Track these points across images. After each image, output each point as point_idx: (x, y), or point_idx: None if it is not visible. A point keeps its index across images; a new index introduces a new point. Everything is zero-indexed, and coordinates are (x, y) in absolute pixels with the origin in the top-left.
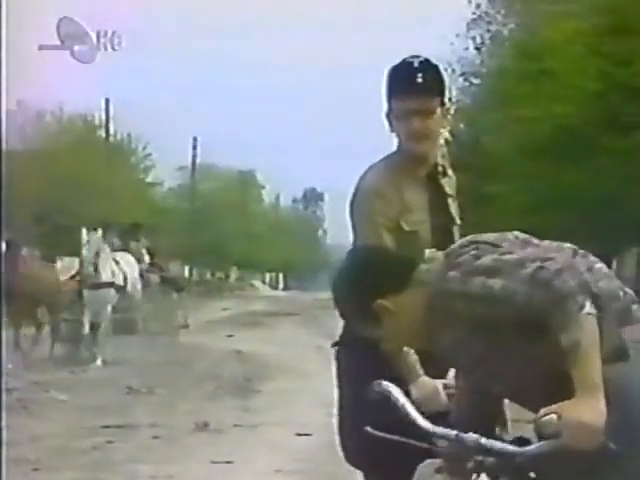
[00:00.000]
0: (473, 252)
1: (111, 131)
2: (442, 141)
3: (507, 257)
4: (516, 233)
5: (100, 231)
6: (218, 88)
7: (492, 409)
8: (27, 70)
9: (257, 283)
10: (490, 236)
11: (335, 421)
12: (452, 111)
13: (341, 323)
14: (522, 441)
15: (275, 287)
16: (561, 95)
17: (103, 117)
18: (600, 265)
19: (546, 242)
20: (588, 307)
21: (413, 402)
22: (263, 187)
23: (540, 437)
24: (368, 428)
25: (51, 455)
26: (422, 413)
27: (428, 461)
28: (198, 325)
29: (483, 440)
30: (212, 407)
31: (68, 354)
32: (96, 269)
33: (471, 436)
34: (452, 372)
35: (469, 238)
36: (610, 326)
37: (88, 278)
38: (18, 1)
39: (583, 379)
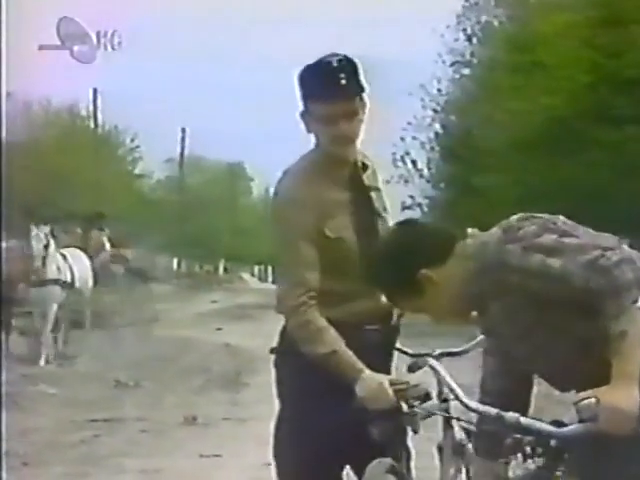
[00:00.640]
0: (533, 227)
1: (99, 123)
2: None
3: (568, 240)
4: (562, 218)
5: (49, 226)
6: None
7: (520, 391)
8: (26, 68)
9: (246, 276)
10: (544, 215)
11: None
12: (442, 103)
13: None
14: (558, 424)
15: (264, 280)
16: (552, 87)
17: (91, 109)
18: None
19: (592, 232)
20: None
21: (358, 401)
22: (252, 180)
23: (579, 420)
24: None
25: (40, 449)
26: (369, 412)
27: (376, 461)
28: (186, 318)
29: (522, 419)
30: (200, 400)
31: (28, 350)
32: (44, 264)
33: (512, 415)
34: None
35: (525, 215)
36: None
37: (34, 274)
38: (18, 1)
39: (623, 368)
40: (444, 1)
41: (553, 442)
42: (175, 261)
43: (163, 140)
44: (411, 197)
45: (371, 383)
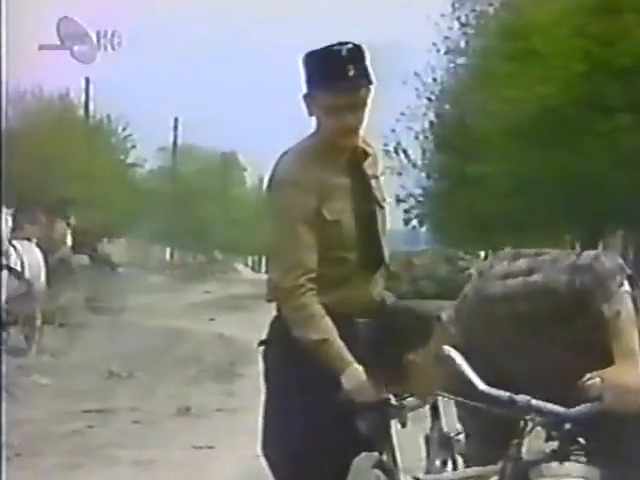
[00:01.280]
0: (504, 261)
1: (91, 111)
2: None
3: (541, 257)
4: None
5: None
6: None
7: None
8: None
9: (239, 266)
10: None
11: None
12: (437, 92)
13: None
14: None
15: (258, 270)
16: (546, 76)
17: (83, 97)
18: None
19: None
20: (626, 285)
21: (344, 393)
22: (245, 169)
23: (586, 401)
24: (439, 392)
25: (33, 440)
26: (353, 404)
27: (363, 454)
28: (179, 308)
29: (533, 401)
30: (194, 391)
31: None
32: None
33: (523, 397)
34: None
35: (494, 256)
36: None
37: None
38: (18, 1)
39: (623, 347)
40: None
41: (567, 425)
42: (168, 251)
43: (156, 129)
44: (404, 188)
45: (358, 376)
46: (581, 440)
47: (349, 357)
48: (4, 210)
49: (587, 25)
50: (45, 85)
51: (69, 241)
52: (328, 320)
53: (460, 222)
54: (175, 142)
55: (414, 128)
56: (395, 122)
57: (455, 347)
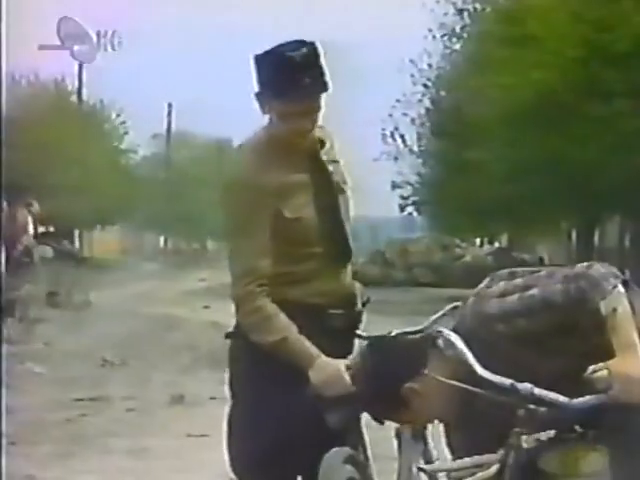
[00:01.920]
0: (501, 281)
1: (84, 97)
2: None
3: (537, 274)
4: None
5: None
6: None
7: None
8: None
9: None
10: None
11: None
12: (432, 78)
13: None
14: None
15: None
16: (543, 61)
17: (76, 83)
18: None
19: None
20: (620, 288)
21: (312, 388)
22: None
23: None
24: (438, 377)
25: (27, 428)
26: (323, 398)
27: (333, 450)
28: (173, 296)
29: (536, 390)
30: (188, 380)
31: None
32: None
33: (525, 385)
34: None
35: (489, 277)
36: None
37: None
38: (18, 1)
39: (622, 340)
40: None
41: (565, 415)
42: (162, 239)
43: (150, 115)
44: (400, 174)
45: (326, 368)
46: (578, 428)
47: (314, 351)
48: None
49: (584, 10)
50: (40, 71)
51: (31, 230)
52: (284, 318)
53: (456, 209)
54: (169, 129)
55: (410, 114)
56: (391, 108)
57: (454, 371)
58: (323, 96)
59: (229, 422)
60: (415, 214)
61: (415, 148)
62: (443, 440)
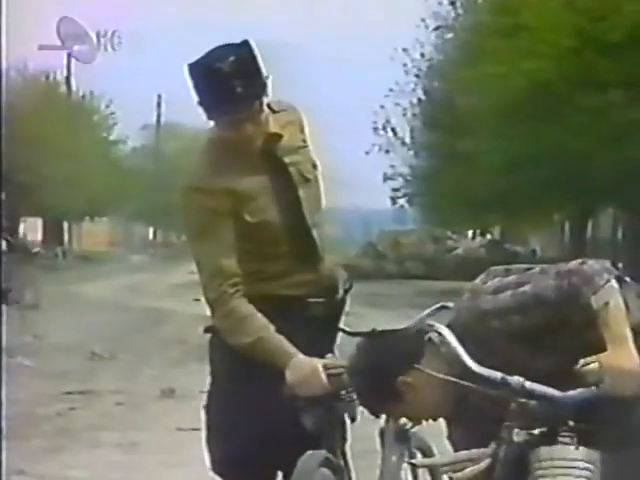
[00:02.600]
0: (497, 277)
1: (73, 88)
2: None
3: (530, 271)
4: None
5: None
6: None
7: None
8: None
9: None
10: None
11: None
12: (425, 68)
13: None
14: None
15: None
16: (536, 51)
17: (65, 74)
18: None
19: None
20: (614, 283)
21: (288, 387)
22: None
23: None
24: (420, 367)
25: (17, 422)
26: (298, 398)
27: (309, 453)
28: (163, 289)
29: (527, 383)
30: (178, 373)
31: None
32: None
33: (517, 379)
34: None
35: (485, 272)
36: (633, 302)
37: None
38: (18, 1)
39: (614, 333)
40: None
41: (556, 408)
42: (151, 231)
43: (139, 106)
44: (392, 167)
45: (302, 368)
46: (570, 422)
47: (291, 349)
48: None
49: (577, 0)
50: (29, 63)
51: None
52: (260, 317)
53: (449, 201)
54: (158, 120)
55: (402, 105)
56: (383, 98)
57: (446, 366)
58: (265, 99)
59: (206, 410)
60: (407, 206)
61: (407, 140)
62: (440, 440)
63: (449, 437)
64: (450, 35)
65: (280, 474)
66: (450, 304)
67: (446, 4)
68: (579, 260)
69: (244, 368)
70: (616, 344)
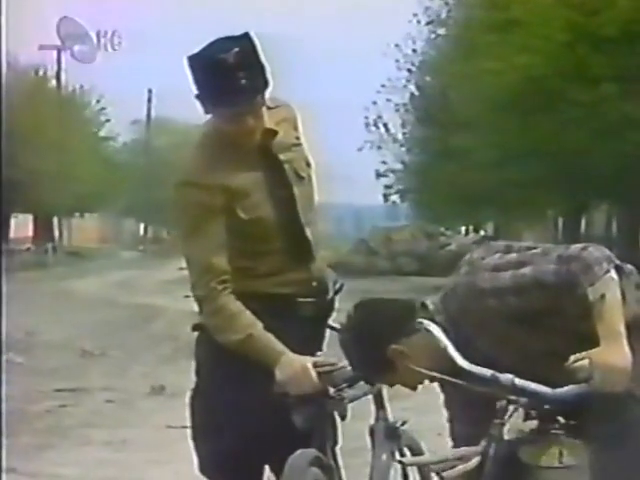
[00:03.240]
0: (497, 253)
1: (63, 83)
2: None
3: (532, 251)
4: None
5: None
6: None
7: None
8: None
9: None
10: (500, 242)
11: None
12: (417, 63)
13: None
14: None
15: None
16: (529, 46)
17: (55, 68)
18: None
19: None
20: (613, 273)
21: (278, 385)
22: None
23: (574, 382)
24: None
25: (7, 419)
26: (288, 396)
27: (299, 452)
28: (154, 285)
29: (517, 380)
30: (168, 370)
31: None
32: None
33: (507, 376)
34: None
35: (484, 246)
36: (631, 295)
37: None
38: (18, 1)
39: (608, 327)
40: None
41: (547, 405)
42: (142, 227)
43: (129, 101)
44: (384, 163)
45: (293, 365)
46: (561, 419)
47: (281, 347)
48: None
49: None
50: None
51: None
52: (249, 315)
53: (441, 197)
54: (149, 114)
55: (394, 100)
56: (375, 94)
57: (438, 357)
58: (266, 93)
59: (192, 416)
60: (399, 202)
61: (399, 136)
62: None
63: (451, 433)
64: (442, 30)
65: (270, 474)
66: (429, 303)
67: None
68: (581, 245)
69: (231, 366)
70: (609, 340)
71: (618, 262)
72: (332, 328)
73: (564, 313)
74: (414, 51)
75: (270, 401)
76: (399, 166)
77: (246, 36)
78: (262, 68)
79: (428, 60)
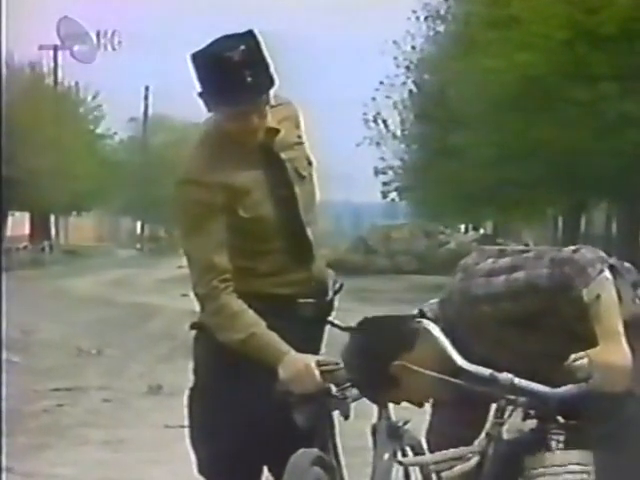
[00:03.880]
0: (490, 258)
1: (59, 79)
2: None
3: (525, 255)
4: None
5: None
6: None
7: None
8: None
9: None
10: (494, 247)
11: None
12: (415, 60)
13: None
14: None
15: None
16: (528, 43)
17: (51, 65)
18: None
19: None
20: (607, 273)
21: (281, 384)
22: None
23: (573, 382)
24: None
25: (5, 419)
26: (291, 395)
27: (301, 451)
28: (151, 284)
29: (516, 380)
30: (166, 369)
31: None
32: None
33: (505, 376)
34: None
35: (477, 250)
36: (627, 294)
37: None
38: (18, 1)
39: (606, 327)
40: None
41: (546, 404)
42: (139, 225)
43: (126, 98)
44: (383, 160)
45: (296, 364)
46: (560, 419)
47: (284, 346)
48: None
49: None
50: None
51: None
52: (251, 314)
53: (440, 194)
54: (146, 112)
55: (393, 98)
56: (374, 91)
57: (439, 358)
58: (271, 92)
59: (190, 416)
60: (398, 200)
61: (398, 133)
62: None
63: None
64: (441, 27)
65: (269, 474)
66: (427, 310)
67: None
68: (572, 247)
69: (229, 365)
70: (608, 339)
71: (612, 261)
72: (334, 325)
73: (560, 314)
74: (413, 48)
75: (269, 400)
76: (398, 163)
77: (251, 34)
78: (267, 66)
79: (427, 57)
